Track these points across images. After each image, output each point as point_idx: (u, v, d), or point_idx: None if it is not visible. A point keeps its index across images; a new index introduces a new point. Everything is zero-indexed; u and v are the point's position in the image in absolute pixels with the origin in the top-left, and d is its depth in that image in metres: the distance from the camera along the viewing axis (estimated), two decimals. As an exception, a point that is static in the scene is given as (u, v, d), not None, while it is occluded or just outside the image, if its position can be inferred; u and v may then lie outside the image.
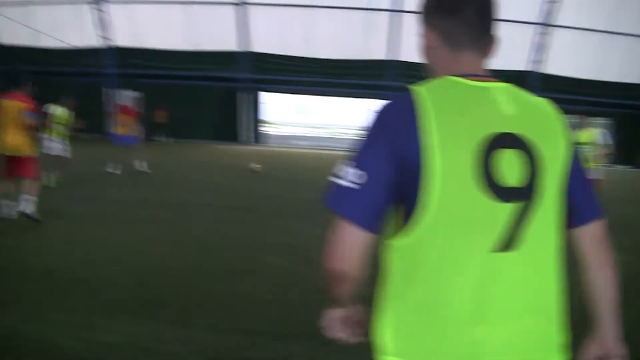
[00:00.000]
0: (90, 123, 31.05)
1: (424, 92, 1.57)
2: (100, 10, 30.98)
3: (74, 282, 6.10)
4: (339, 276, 1.62)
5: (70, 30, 31.41)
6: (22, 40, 33.38)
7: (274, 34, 29.38)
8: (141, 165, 16.35)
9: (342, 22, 28.38)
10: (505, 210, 1.52)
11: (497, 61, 2.10)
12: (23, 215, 8.75)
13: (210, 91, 31.91)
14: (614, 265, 1.76)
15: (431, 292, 1.53)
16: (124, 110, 17.42)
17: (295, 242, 8.22)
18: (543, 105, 1.68)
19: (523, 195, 1.54)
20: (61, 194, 11.75)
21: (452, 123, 1.52)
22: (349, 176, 1.54)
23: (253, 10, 29.19)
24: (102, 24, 31.40)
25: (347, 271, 1.59)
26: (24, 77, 29.25)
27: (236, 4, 28.73)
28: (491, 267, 1.52)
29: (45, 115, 12.52)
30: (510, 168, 1.53)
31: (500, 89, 1.64)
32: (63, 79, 33.50)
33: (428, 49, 1.77)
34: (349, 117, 65.47)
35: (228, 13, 29.27)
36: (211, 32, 30.19)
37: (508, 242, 1.53)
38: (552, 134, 1.63)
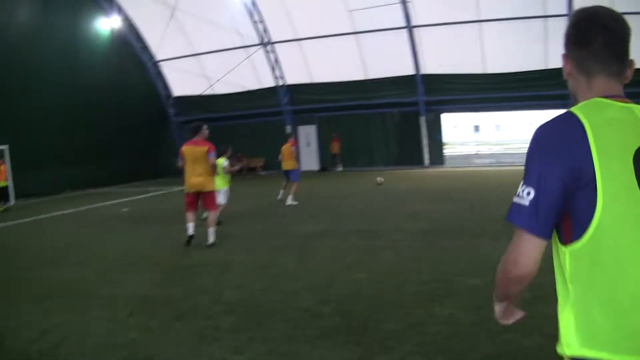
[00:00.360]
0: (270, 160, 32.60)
1: (580, 113, 1.81)
2: (270, 51, 32.35)
3: (272, 313, 6.37)
4: (517, 280, 1.93)
5: (240, 74, 33.14)
6: (194, 90, 35.83)
7: (445, 54, 29.09)
8: (293, 199, 16.82)
9: (515, 33, 27.54)
10: None
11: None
12: (209, 246, 10.61)
13: (385, 117, 32.20)
14: None
15: (613, 286, 1.72)
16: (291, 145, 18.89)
17: (489, 262, 8.04)
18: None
19: None
20: (243, 228, 12.36)
21: (610, 138, 1.74)
22: (525, 193, 1.80)
23: (423, 32, 29.10)
24: (273, 64, 32.75)
25: (525, 275, 1.88)
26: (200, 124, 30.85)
27: (404, 28, 28.77)
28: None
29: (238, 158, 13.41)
30: None
31: (637, 108, 1.84)
32: (242, 121, 35.60)
33: (568, 76, 2.08)
34: (523, 130, 63.68)
35: (396, 39, 29.37)
36: (380, 59, 30.52)
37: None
38: None
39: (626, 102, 1.85)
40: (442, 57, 29.12)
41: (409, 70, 29.91)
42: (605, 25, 1.90)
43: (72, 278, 8.89)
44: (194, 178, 10.89)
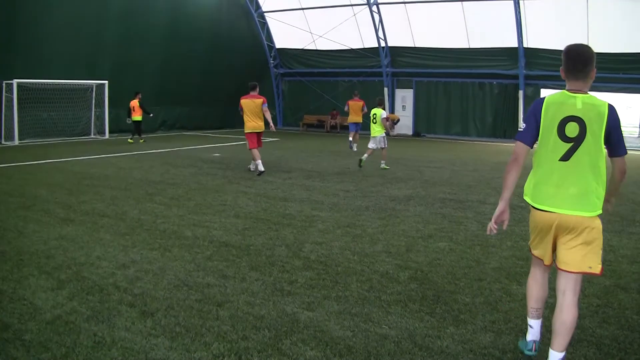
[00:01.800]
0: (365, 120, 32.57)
1: (547, 98, 4.00)
2: (375, 12, 31.97)
3: (349, 273, 6.33)
4: (513, 166, 4.17)
5: (344, 32, 32.98)
6: (296, 44, 35.86)
7: (550, 28, 28.08)
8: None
9: (623, 13, 26.20)
10: (566, 146, 3.86)
11: None
12: (259, 174, 14.30)
13: (483, 87, 31.50)
14: (622, 180, 4.15)
15: (540, 172, 4.05)
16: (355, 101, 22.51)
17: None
18: (599, 104, 3.86)
19: (574, 141, 3.82)
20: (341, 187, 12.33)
21: (553, 110, 3.93)
22: (522, 127, 3.95)
23: (529, 5, 28.09)
24: (377, 25, 32.37)
25: (518, 161, 4.13)
26: (303, 78, 31.32)
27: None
28: (559, 165, 3.91)
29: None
30: (571, 129, 3.82)
31: (580, 97, 3.88)
32: (340, 79, 35.60)
33: (562, 75, 4.08)
34: (621, 113, 61.04)
35: (502, 9, 28.49)
36: (484, 29, 29.75)
37: (565, 158, 3.87)
38: (597, 116, 3.81)
39: (576, 93, 3.94)
40: (547, 31, 28.21)
41: (512, 42, 29.03)
42: (572, 57, 4.06)
43: (157, 216, 9.12)
44: (252, 122, 14.72)
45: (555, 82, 29.29)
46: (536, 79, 29.73)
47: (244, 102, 14.81)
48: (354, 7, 32.24)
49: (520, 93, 29.82)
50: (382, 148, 16.43)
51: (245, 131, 14.84)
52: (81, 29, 24.83)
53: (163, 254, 6.90)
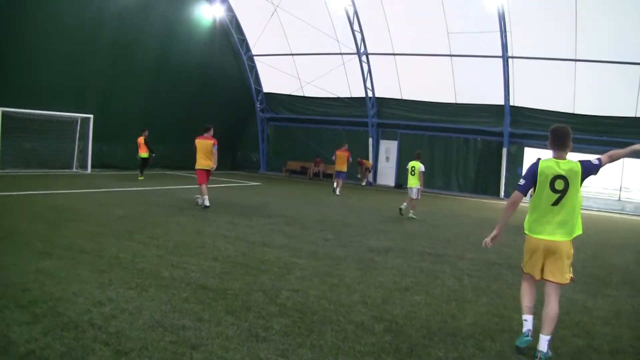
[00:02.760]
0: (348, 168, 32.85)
1: (541, 161, 5.93)
2: (364, 62, 32.44)
3: (325, 322, 6.35)
4: (511, 207, 6.07)
5: (332, 80, 33.49)
6: (284, 89, 36.27)
7: (538, 88, 28.61)
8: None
9: (609, 76, 26.80)
10: (556, 195, 5.77)
11: None
12: (204, 208, 15.78)
13: (468, 143, 31.87)
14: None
15: (535, 214, 5.93)
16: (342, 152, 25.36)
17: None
18: (574, 165, 5.76)
19: (562, 192, 5.75)
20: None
21: (545, 170, 5.82)
22: (521, 181, 5.99)
23: (517, 64, 28.66)
24: (365, 75, 32.83)
25: (515, 204, 6.05)
26: (289, 124, 31.65)
27: (500, 57, 28.37)
28: (551, 209, 5.81)
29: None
30: (559, 184, 5.75)
31: (562, 162, 5.79)
32: (325, 127, 35.93)
33: (549, 147, 5.96)
34: (604, 176, 61.74)
35: (491, 67, 29.02)
36: (472, 85, 30.24)
37: (556, 203, 5.78)
38: (575, 174, 5.73)
39: (560, 159, 5.83)
40: (533, 91, 28.86)
41: (499, 100, 29.56)
42: (556, 135, 5.90)
43: (135, 254, 9.10)
44: (203, 160, 16.25)
45: (538, 141, 29.75)
46: (521, 137, 30.20)
47: (198, 142, 16.38)
48: (343, 55, 32.75)
49: (504, 150, 30.21)
50: (414, 199, 17.77)
51: (197, 167, 16.39)
52: (71, 62, 25.10)
53: (140, 294, 6.89)
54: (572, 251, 5.89)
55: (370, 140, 33.97)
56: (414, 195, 17.82)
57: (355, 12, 30.84)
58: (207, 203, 15.88)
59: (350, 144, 32.94)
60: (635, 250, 14.63)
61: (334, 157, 25.56)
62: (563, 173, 5.73)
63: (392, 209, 19.57)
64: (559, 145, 5.85)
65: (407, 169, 18.25)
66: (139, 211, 14.45)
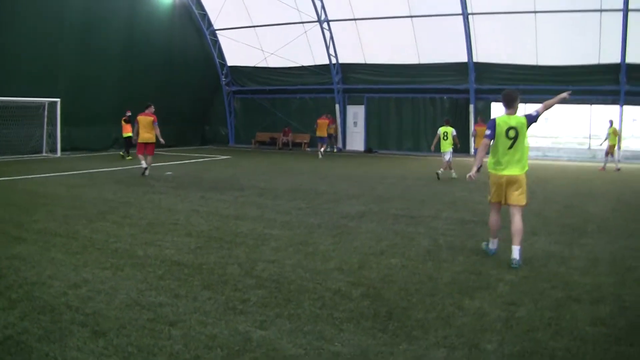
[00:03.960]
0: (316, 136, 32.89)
1: (497, 117, 8.03)
2: (326, 29, 32.25)
3: (301, 291, 6.35)
4: (483, 149, 8.22)
5: (295, 49, 33.31)
6: (248, 61, 36.01)
7: (500, 44, 28.72)
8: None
9: (570, 26, 26.97)
10: (510, 141, 7.82)
11: None
12: (143, 174, 17.75)
13: (434, 102, 31.96)
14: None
15: (496, 157, 7.96)
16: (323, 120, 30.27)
17: (527, 257, 7.89)
18: (521, 118, 7.88)
19: (514, 139, 7.80)
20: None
21: (501, 124, 7.89)
22: (487, 132, 7.99)
23: (478, 21, 28.68)
24: (328, 42, 32.65)
25: (485, 145, 8.11)
26: (255, 95, 31.55)
27: (460, 14, 28.36)
28: (508, 152, 7.85)
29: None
30: (511, 133, 7.81)
31: (513, 117, 7.90)
32: (292, 96, 35.82)
33: (503, 105, 8.18)
34: (572, 125, 62.34)
35: (451, 25, 29.00)
36: (434, 44, 30.25)
37: (511, 147, 7.83)
38: (522, 125, 7.82)
39: (511, 115, 7.94)
40: (496, 46, 28.97)
41: (462, 57, 29.60)
42: (507, 98, 8.05)
43: (109, 235, 9.03)
44: (144, 134, 17.98)
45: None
46: (487, 92, 30.31)
47: (140, 118, 18.22)
48: (304, 24, 32.52)
49: (471, 107, 30.35)
50: (448, 161, 19.26)
51: (139, 141, 18.21)
52: (38, 46, 24.73)
53: (115, 273, 6.84)
54: (526, 180, 8.00)
55: (337, 106, 33.91)
56: (448, 157, 19.22)
57: (314, -20, 30.58)
58: (146, 172, 17.93)
59: (317, 111, 33.10)
60: (609, 198, 14.84)
61: (315, 126, 30.05)
62: (514, 125, 7.83)
63: (364, 173, 19.63)
64: (509, 106, 8.01)
65: (439, 135, 19.41)
66: (111, 191, 14.32)
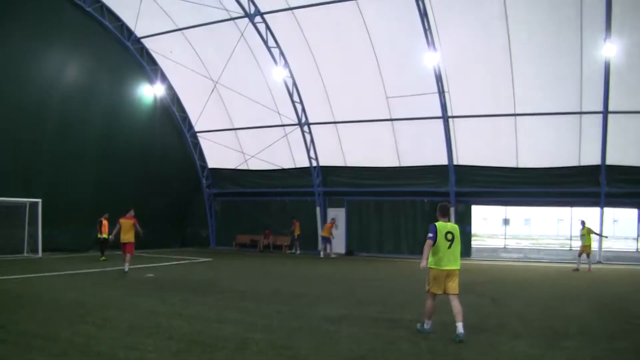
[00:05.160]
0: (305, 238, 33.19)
1: (437, 223, 10.03)
2: (306, 132, 32.90)
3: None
4: (425, 251, 9.82)
5: (275, 152, 34.04)
6: (228, 164, 36.49)
7: (481, 146, 29.27)
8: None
9: (550, 128, 27.69)
10: (449, 242, 9.92)
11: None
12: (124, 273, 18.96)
13: (415, 205, 32.27)
14: None
15: (437, 256, 9.90)
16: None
17: (505, 361, 7.98)
18: (455, 226, 10.29)
19: (451, 240, 9.93)
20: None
21: (441, 228, 9.93)
22: (430, 235, 9.83)
23: (458, 124, 29.41)
24: (308, 145, 33.28)
25: (429, 247, 9.81)
26: (236, 198, 31.74)
27: (440, 118, 29.06)
28: (447, 251, 9.90)
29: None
30: (449, 236, 9.93)
31: (449, 224, 10.13)
32: (273, 198, 36.13)
33: (438, 215, 10.33)
34: (552, 226, 62.97)
35: (432, 128, 29.66)
36: (415, 147, 30.84)
37: (449, 247, 9.91)
38: (457, 230, 10.12)
39: (447, 222, 10.15)
40: (476, 149, 29.40)
41: (443, 160, 30.10)
42: (442, 210, 10.31)
43: (90, 337, 8.98)
44: (126, 235, 19.93)
45: (485, 198, 30.52)
46: (467, 195, 30.74)
47: (122, 221, 20.10)
48: (285, 127, 33.14)
49: (452, 210, 30.55)
50: None
51: (122, 242, 20.05)
52: (17, 145, 25.13)
53: (96, 379, 6.82)
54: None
55: (318, 209, 34.17)
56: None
57: (294, 83, 31.37)
58: (126, 269, 19.63)
59: (297, 214, 33.51)
60: (589, 299, 14.94)
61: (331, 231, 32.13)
62: (450, 229, 10.01)
63: (344, 276, 19.69)
64: (445, 215, 10.29)
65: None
66: (91, 293, 14.26)
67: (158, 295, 14.30)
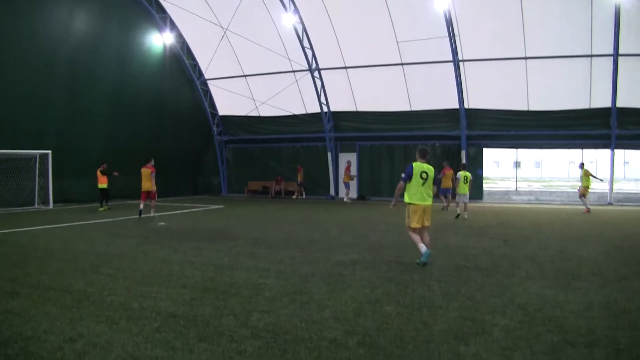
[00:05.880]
0: (309, 185, 33.20)
1: (414, 163, 11.43)
2: (317, 77, 32.62)
3: (297, 341, 6.35)
4: (397, 193, 11.78)
5: (286, 98, 33.80)
6: (239, 111, 36.28)
7: (491, 90, 29.09)
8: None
9: (561, 71, 27.46)
10: (423, 181, 11.37)
11: None
12: (142, 215, 21.12)
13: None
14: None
15: (412, 192, 11.42)
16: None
17: (521, 302, 7.93)
18: (431, 167, 11.57)
19: (425, 179, 11.37)
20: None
21: (417, 168, 11.34)
22: (403, 175, 11.42)
23: (469, 67, 29.12)
24: (319, 91, 33.01)
25: (400, 188, 11.63)
26: (247, 145, 31.73)
27: (451, 62, 28.78)
28: (422, 187, 11.40)
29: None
30: (424, 175, 11.37)
31: (425, 165, 11.45)
32: (284, 145, 36.03)
33: (417, 157, 11.62)
34: (563, 168, 62.71)
35: (442, 72, 29.44)
36: (425, 91, 30.65)
37: (423, 185, 11.38)
38: (431, 171, 11.54)
39: (423, 163, 11.46)
40: (487, 92, 29.26)
41: (453, 104, 29.97)
42: (421, 152, 11.56)
43: (103, 287, 9.01)
44: (145, 184, 20.97)
45: (495, 141, 30.35)
46: (478, 138, 30.65)
47: (142, 170, 21.17)
48: (295, 73, 32.90)
49: (463, 153, 30.56)
50: (467, 203, 22.12)
51: (142, 190, 21.16)
52: (27, 98, 25.01)
53: (110, 327, 6.82)
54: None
55: (329, 154, 34.14)
56: (467, 200, 22.10)
57: (304, 29, 31.05)
58: (141, 208, 21.26)
59: (309, 160, 33.52)
60: (600, 242, 14.87)
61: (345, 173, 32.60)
62: (425, 170, 11.37)
63: (357, 221, 19.66)
64: (423, 157, 11.51)
65: (459, 179, 22.02)
66: (104, 243, 14.31)
67: (170, 244, 14.32)
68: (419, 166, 11.32)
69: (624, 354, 5.77)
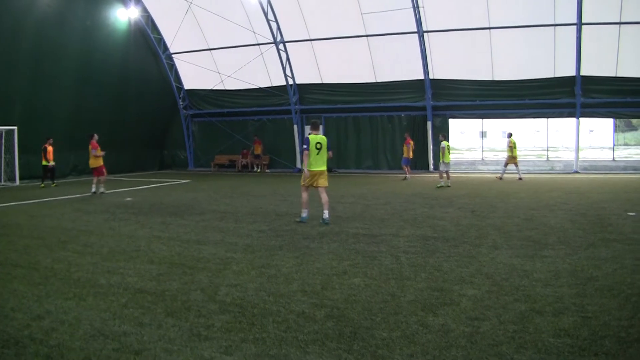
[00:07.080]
0: (275, 158, 33.17)
1: (310, 135, 13.32)
2: (282, 50, 32.44)
3: (265, 314, 6.38)
4: (305, 161, 13.18)
5: (251, 71, 33.54)
6: (205, 85, 35.97)
7: (456, 60, 29.22)
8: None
9: (525, 41, 27.66)
10: (318, 150, 13.20)
11: None
12: (94, 194, 20.38)
13: (392, 120, 32.31)
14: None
15: (309, 160, 13.19)
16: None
17: (488, 272, 8.05)
18: (324, 137, 13.51)
19: (320, 149, 13.22)
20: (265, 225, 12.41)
21: (312, 139, 13.21)
22: (304, 146, 13.24)
23: (433, 38, 29.19)
24: (284, 63, 32.85)
25: (305, 160, 13.16)
26: (213, 119, 31.53)
27: (415, 33, 28.82)
28: (317, 156, 13.23)
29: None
30: (318, 145, 13.20)
31: (319, 136, 13.37)
32: (250, 118, 35.88)
33: (310, 130, 13.79)
34: (530, 138, 63.39)
35: (407, 43, 29.47)
36: (391, 63, 30.68)
37: (318, 153, 13.22)
38: (325, 141, 13.43)
39: (317, 134, 13.37)
40: (452, 63, 29.41)
41: (419, 75, 30.05)
42: (314, 124, 13.69)
43: (70, 264, 8.96)
44: (90, 160, 20.79)
45: (461, 111, 30.58)
46: (443, 109, 30.86)
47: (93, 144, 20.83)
48: (261, 46, 32.66)
49: (429, 124, 30.74)
50: (449, 171, 23.41)
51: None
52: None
53: (78, 303, 6.80)
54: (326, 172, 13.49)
55: (295, 127, 34.08)
56: (448, 169, 23.38)
57: (269, 2, 30.78)
58: (99, 191, 20.46)
59: (275, 133, 33.49)
60: (567, 209, 15.09)
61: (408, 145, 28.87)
62: (319, 140, 13.10)
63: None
64: (316, 129, 13.41)
65: (444, 148, 23.35)
66: (71, 219, 14.22)
67: (137, 219, 14.26)
68: (313, 138, 13.18)
69: (591, 321, 5.88)
